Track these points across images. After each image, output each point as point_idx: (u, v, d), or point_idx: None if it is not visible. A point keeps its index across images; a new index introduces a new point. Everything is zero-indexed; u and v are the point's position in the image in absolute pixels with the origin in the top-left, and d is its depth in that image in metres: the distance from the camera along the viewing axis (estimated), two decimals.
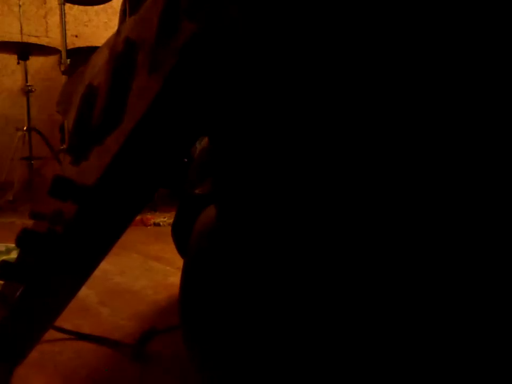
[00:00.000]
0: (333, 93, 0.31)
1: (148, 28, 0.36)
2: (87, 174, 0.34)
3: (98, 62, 0.43)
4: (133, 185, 0.33)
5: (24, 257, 0.37)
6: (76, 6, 2.69)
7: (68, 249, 0.34)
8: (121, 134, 0.33)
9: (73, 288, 0.37)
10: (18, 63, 2.35)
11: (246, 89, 0.33)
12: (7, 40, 2.38)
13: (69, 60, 2.23)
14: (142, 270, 1.13)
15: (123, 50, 0.38)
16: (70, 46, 2.30)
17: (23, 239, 0.33)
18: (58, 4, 2.24)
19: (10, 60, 2.46)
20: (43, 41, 2.66)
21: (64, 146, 2.28)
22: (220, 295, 0.37)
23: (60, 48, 2.27)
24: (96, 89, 0.39)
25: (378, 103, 0.30)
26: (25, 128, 2.44)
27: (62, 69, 2.23)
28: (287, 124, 0.32)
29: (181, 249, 0.63)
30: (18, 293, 0.35)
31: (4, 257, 1.18)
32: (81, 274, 0.36)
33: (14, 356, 0.39)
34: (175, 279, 1.04)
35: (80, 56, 2.27)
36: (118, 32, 0.42)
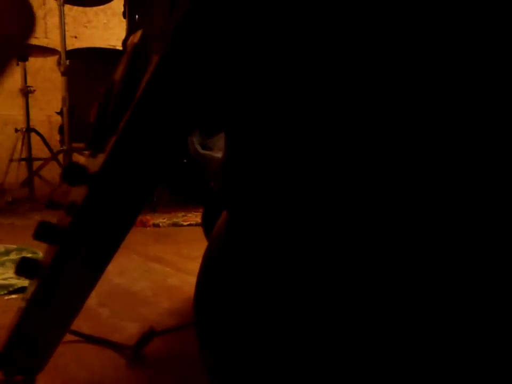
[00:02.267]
0: (334, 96, 0.31)
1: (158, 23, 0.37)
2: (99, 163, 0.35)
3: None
4: (133, 172, 0.34)
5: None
6: (75, 7, 2.69)
7: (80, 236, 0.35)
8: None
9: (90, 280, 0.38)
10: (17, 64, 2.35)
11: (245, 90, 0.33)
12: None
13: (68, 61, 2.23)
14: (142, 271, 1.13)
15: (139, 41, 0.41)
16: (69, 47, 2.30)
17: (41, 231, 0.34)
18: (58, 5, 2.24)
19: None
20: (42, 42, 2.66)
21: (64, 147, 2.28)
22: (234, 296, 0.37)
23: (59, 49, 2.27)
24: (114, 82, 0.41)
25: (378, 105, 0.30)
26: (24, 129, 2.44)
27: (61, 70, 2.23)
28: (287, 124, 0.33)
29: None
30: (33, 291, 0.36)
31: (4, 258, 1.17)
32: (96, 264, 0.37)
33: (35, 365, 0.40)
34: (174, 280, 1.04)
35: (79, 57, 2.27)
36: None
